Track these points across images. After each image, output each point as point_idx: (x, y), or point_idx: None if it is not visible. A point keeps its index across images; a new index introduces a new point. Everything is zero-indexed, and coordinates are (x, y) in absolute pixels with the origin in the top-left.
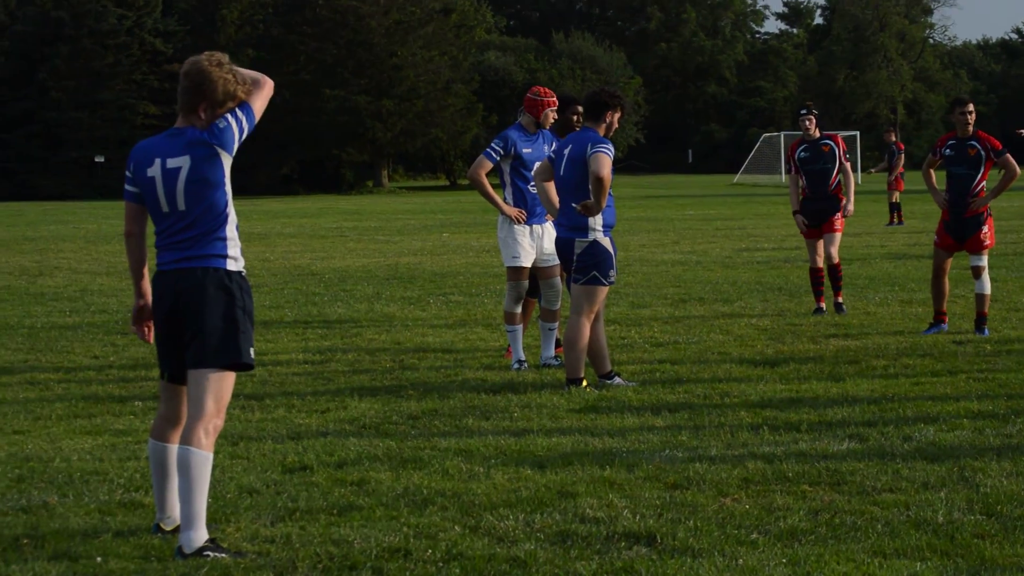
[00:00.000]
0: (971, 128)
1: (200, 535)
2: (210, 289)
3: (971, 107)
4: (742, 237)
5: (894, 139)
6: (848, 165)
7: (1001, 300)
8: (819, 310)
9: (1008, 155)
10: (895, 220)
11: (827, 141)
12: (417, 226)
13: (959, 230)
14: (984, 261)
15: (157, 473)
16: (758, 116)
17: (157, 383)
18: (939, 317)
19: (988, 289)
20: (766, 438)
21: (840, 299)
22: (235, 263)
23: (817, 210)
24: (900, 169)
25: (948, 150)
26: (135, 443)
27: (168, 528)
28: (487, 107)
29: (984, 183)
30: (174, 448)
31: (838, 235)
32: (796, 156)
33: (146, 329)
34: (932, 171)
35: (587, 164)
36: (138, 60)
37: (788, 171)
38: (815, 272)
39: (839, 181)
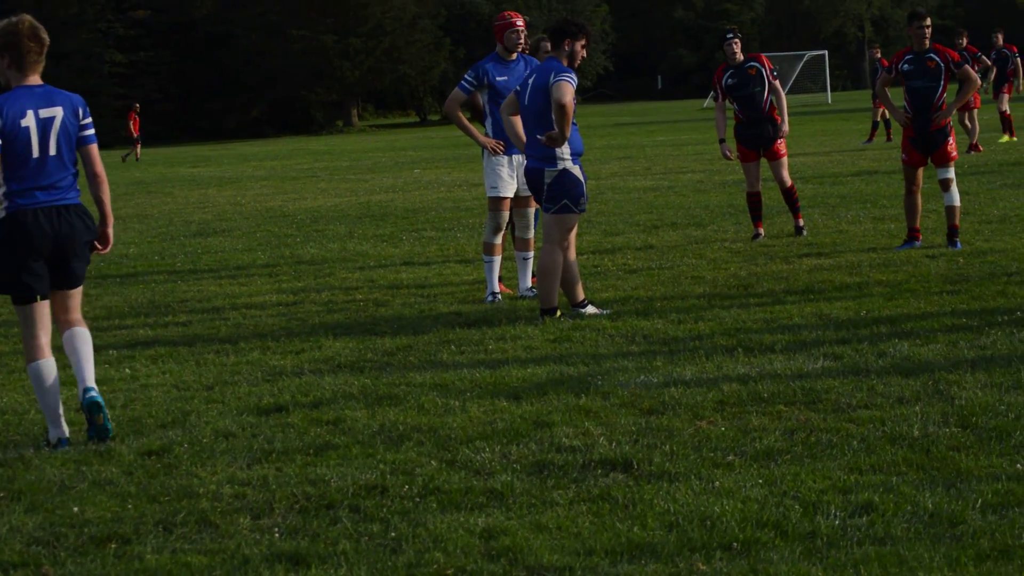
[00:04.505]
0: (928, 42)
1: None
2: (84, 222)
3: (928, 21)
4: (713, 161)
5: (879, 56)
6: (778, 83)
7: (973, 213)
8: (757, 235)
9: (967, 67)
10: (874, 137)
11: (752, 63)
12: (388, 163)
13: (925, 144)
14: (951, 173)
15: (46, 390)
16: (719, 45)
17: (129, 332)
18: (912, 234)
19: (957, 201)
20: (741, 360)
21: (800, 222)
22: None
23: (755, 135)
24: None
25: (906, 65)
26: (110, 392)
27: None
28: (454, 41)
29: (945, 96)
30: (53, 361)
31: (784, 159)
32: (723, 83)
33: None
34: (887, 88)
35: (550, 93)
36: (103, 8)
37: (714, 98)
38: (752, 196)
39: (771, 102)
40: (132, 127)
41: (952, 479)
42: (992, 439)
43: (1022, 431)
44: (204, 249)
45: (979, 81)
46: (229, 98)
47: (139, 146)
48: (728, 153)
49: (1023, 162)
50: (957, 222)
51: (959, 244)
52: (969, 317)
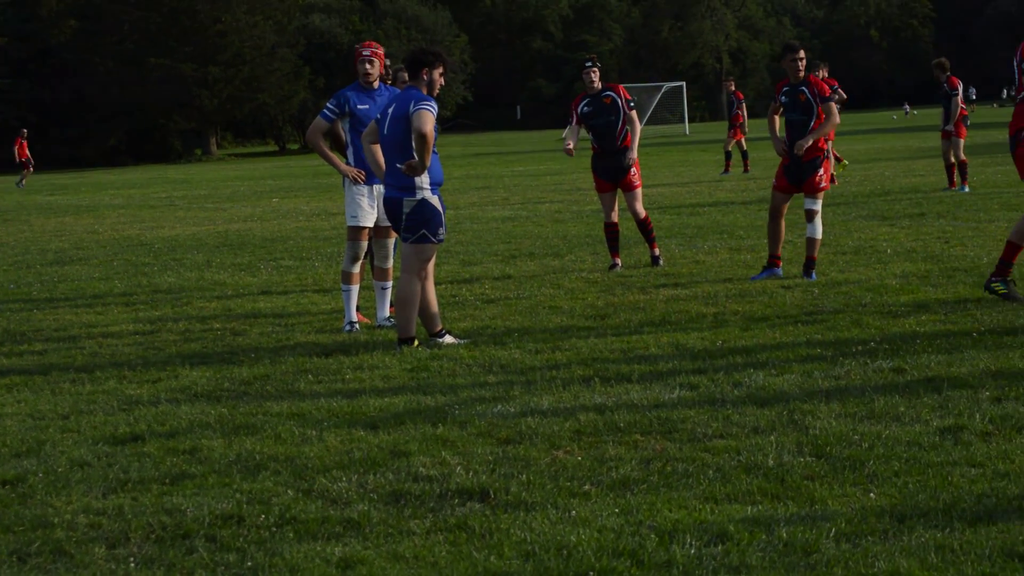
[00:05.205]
0: (802, 74)
1: None
2: None
3: (802, 53)
4: (571, 191)
5: (733, 89)
6: (634, 114)
7: (828, 244)
8: (614, 265)
9: (832, 103)
10: (730, 168)
11: (608, 93)
12: (247, 192)
13: (796, 173)
14: (818, 205)
15: None
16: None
17: None
18: (773, 261)
19: (819, 234)
20: (598, 390)
21: (656, 251)
22: None
23: (610, 166)
24: (740, 118)
25: (783, 96)
26: None
27: None
28: (314, 70)
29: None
30: None
31: (638, 191)
32: (579, 110)
33: None
34: (776, 117)
35: (410, 122)
36: None
37: (569, 123)
38: (609, 227)
39: (627, 131)
40: (18, 152)
41: (806, 508)
42: (846, 468)
43: (875, 460)
44: (61, 278)
45: (837, 119)
46: (87, 126)
47: (29, 170)
48: (570, 147)
49: (877, 193)
50: (815, 254)
51: (815, 275)
52: (824, 347)
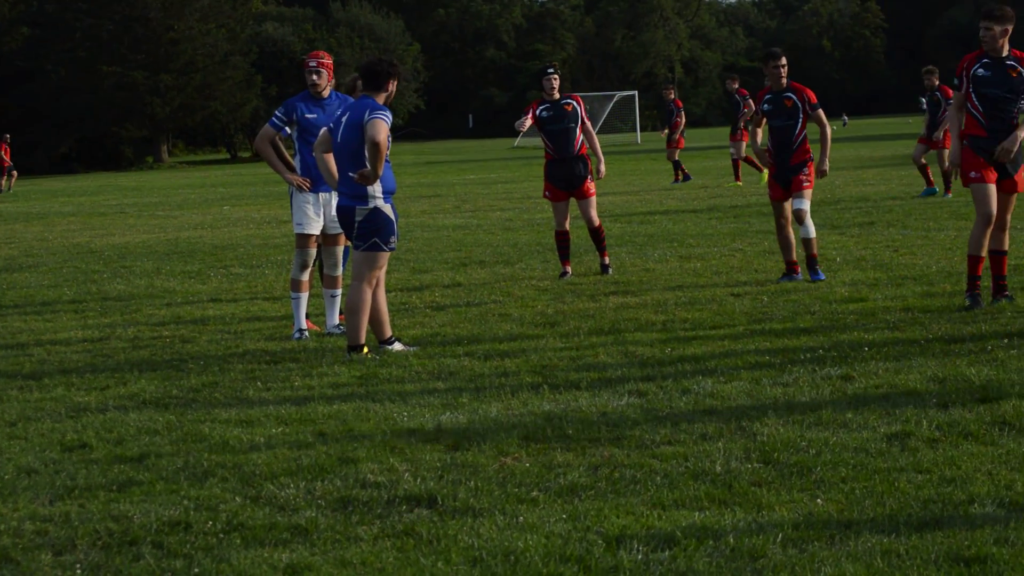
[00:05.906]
0: (785, 80)
1: None
2: None
3: (783, 60)
4: (522, 199)
5: (673, 97)
6: (589, 124)
7: (777, 252)
8: (564, 273)
9: (820, 111)
10: (680, 177)
11: (568, 100)
12: (198, 200)
13: (784, 177)
14: (806, 204)
15: None
16: (537, 79)
17: None
18: (790, 268)
19: (813, 232)
20: (547, 397)
21: (606, 260)
22: None
23: (565, 174)
24: (679, 124)
25: (766, 104)
26: None
27: None
28: (266, 79)
29: (805, 132)
30: None
31: (593, 199)
32: (537, 114)
33: None
34: (758, 129)
35: (364, 130)
36: None
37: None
38: (561, 235)
39: (582, 141)
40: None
41: (753, 514)
42: (793, 475)
43: (822, 467)
44: (9, 285)
45: (828, 126)
46: (38, 133)
47: (15, 176)
48: (525, 123)
49: (827, 202)
50: (815, 252)
51: (821, 274)
52: (772, 355)
